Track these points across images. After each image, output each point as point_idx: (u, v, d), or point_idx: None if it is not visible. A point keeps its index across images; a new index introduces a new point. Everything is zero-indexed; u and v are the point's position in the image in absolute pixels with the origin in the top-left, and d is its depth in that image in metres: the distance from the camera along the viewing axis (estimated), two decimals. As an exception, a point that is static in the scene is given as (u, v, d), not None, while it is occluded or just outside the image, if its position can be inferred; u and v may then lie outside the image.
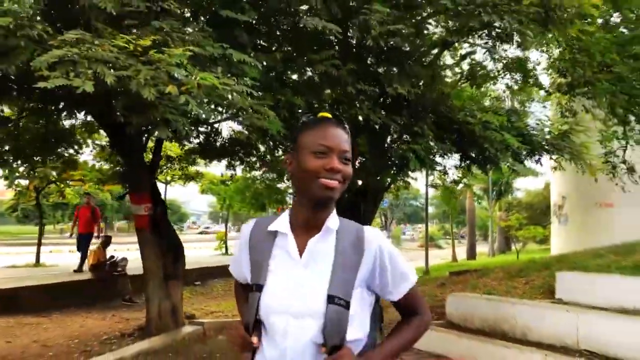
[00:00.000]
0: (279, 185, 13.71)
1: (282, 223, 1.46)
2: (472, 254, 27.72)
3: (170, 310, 6.60)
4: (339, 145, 1.41)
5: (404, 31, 4.43)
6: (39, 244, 14.93)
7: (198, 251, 21.66)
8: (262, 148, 7.60)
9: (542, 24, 4.86)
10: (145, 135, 6.11)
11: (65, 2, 3.46)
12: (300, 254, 1.41)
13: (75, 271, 11.21)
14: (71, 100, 4.68)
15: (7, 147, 6.69)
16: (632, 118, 10.90)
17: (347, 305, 1.36)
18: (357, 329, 1.39)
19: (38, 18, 3.77)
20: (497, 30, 4.76)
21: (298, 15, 4.35)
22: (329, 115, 1.50)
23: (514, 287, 7.68)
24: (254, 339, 1.40)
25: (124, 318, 7.96)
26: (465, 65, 10.41)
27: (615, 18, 11.12)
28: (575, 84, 9.86)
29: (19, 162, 7.49)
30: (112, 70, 2.99)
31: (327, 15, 4.21)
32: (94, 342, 6.18)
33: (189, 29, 4.03)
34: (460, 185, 17.68)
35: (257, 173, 11.37)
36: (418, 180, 16.08)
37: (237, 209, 20.33)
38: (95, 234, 12.11)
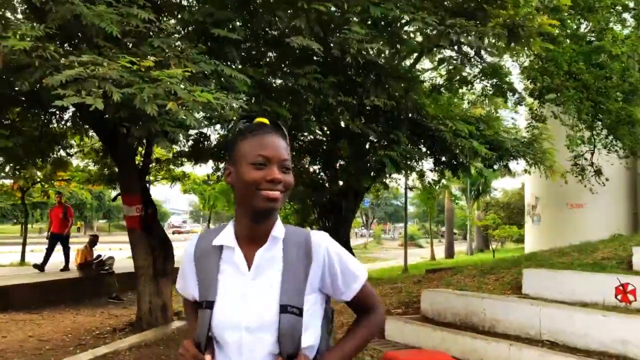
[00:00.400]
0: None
1: (227, 236, 1.43)
2: (450, 252, 28.41)
3: (160, 307, 6.94)
4: (278, 155, 1.40)
5: (379, 48, 4.85)
6: (24, 243, 15.05)
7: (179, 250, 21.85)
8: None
9: (507, 41, 5.33)
10: (137, 141, 6.43)
11: (72, 24, 3.78)
12: (249, 266, 1.40)
13: (62, 270, 11.41)
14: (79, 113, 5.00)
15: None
16: (598, 123, 11.54)
17: (300, 313, 1.36)
18: (311, 335, 1.41)
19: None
20: (465, 46, 5.22)
21: (284, 33, 4.74)
22: (266, 121, 1.46)
23: (485, 284, 8.18)
24: (207, 357, 1.38)
25: (113, 314, 8.26)
26: (443, 71, 10.93)
27: (583, 29, 11.74)
28: (544, 92, 10.44)
29: (11, 164, 7.71)
30: (118, 88, 3.35)
31: (310, 34, 4.61)
32: (88, 336, 6.49)
33: (183, 46, 4.38)
34: (438, 186, 18.28)
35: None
36: (398, 182, 16.67)
37: (220, 208, 20.63)
38: (67, 233, 11.86)
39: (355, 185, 10.03)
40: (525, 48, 6.73)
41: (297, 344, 1.35)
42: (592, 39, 10.80)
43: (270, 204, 1.36)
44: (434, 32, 4.71)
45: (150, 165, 8.34)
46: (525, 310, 6.39)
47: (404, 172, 8.61)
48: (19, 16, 4.60)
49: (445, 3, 5.16)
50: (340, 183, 10.63)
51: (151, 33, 4.16)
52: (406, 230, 19.67)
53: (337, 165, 9.09)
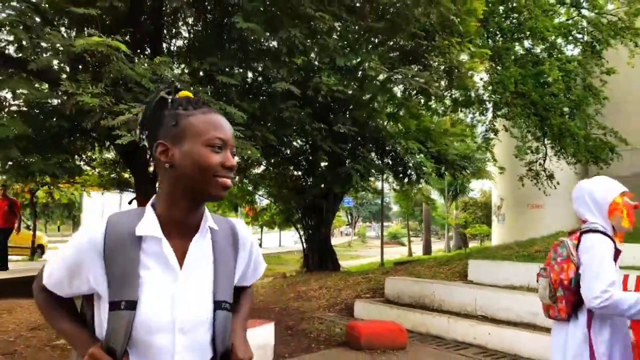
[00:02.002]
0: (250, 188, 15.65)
1: (150, 225, 1.23)
2: (427, 250, 30.07)
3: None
4: (231, 139, 1.29)
5: (345, 86, 6.38)
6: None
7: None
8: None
9: (448, 82, 6.91)
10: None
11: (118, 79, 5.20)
12: (179, 260, 1.25)
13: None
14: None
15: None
16: (543, 135, 13.23)
17: (230, 308, 1.30)
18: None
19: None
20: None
21: (271, 79, 6.24)
22: (192, 95, 1.33)
23: (439, 272, 9.76)
24: None
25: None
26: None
27: (539, 50, 13.44)
28: (495, 109, 12.08)
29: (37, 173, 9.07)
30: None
31: (290, 79, 6.13)
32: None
33: (195, 89, 5.86)
34: (415, 188, 19.94)
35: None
36: (377, 184, 18.28)
37: (211, 206, 22.13)
38: (16, 228, 11.53)
39: (332, 190, 11.55)
40: (459, 87, 8.31)
41: (227, 340, 1.29)
42: (537, 60, 12.38)
43: (224, 192, 1.26)
44: (385, 76, 6.25)
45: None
46: (466, 292, 7.95)
47: (373, 178, 10.16)
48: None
49: (394, 54, 6.72)
50: (323, 186, 12.14)
51: (172, 79, 5.64)
52: (382, 229, 21.27)
53: (317, 172, 10.56)
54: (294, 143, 8.25)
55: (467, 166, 8.34)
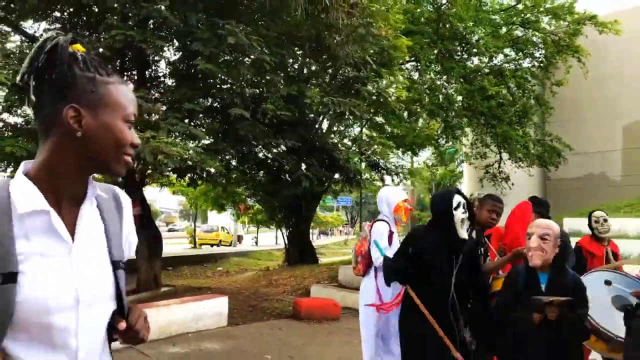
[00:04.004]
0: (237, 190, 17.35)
1: (34, 199, 1.09)
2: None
3: (153, 277, 10.04)
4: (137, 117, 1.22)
5: (290, 110, 8.02)
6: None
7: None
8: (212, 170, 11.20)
9: (375, 108, 8.53)
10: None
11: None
12: (69, 230, 1.13)
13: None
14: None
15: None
16: (490, 141, 14.83)
17: (125, 266, 1.27)
18: None
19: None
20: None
21: (229, 104, 7.88)
22: (83, 50, 1.15)
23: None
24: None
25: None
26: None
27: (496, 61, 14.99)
28: (446, 120, 13.67)
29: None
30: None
31: (244, 104, 7.77)
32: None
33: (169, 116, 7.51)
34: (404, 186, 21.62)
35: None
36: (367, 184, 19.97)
37: (202, 207, 23.84)
38: None
39: (307, 192, 13.14)
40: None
41: (123, 301, 1.23)
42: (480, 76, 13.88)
43: (124, 170, 1.21)
44: (322, 103, 7.90)
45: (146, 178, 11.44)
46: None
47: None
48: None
49: (333, 82, 8.36)
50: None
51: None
52: (361, 225, 22.85)
53: (281, 177, 12.21)
54: (259, 155, 9.90)
55: (399, 172, 10.01)
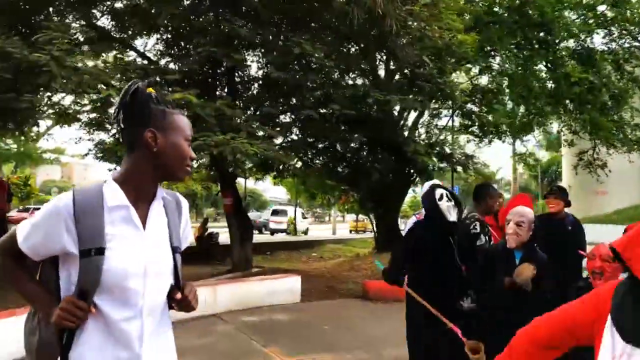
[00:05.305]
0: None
1: (118, 197, 1.50)
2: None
3: (244, 259, 11.35)
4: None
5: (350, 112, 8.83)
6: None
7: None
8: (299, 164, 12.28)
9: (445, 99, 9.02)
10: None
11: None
12: (142, 222, 1.54)
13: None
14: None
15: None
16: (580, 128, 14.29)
17: (181, 252, 1.66)
18: None
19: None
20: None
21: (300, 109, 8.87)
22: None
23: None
24: (92, 310, 1.42)
25: (217, 267, 12.82)
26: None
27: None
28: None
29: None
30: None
31: (313, 106, 8.67)
32: (209, 276, 10.98)
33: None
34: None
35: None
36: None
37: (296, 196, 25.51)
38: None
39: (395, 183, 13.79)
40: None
41: (179, 278, 1.63)
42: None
43: (186, 176, 1.69)
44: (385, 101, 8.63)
45: (238, 173, 12.88)
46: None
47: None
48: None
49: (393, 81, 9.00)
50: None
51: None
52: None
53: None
54: (338, 149, 10.84)
55: (466, 163, 10.32)
